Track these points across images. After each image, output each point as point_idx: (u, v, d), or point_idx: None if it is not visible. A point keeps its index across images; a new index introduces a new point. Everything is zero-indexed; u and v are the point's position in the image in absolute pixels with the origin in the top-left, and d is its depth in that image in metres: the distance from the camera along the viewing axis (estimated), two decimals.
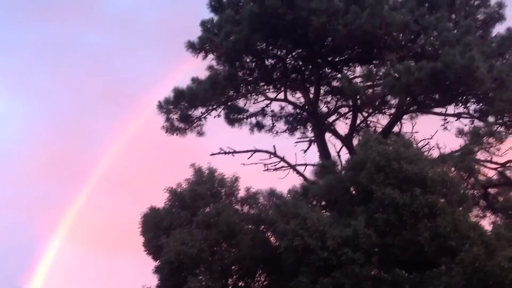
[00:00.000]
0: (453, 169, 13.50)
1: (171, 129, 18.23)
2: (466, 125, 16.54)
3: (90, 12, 35.52)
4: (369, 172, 12.58)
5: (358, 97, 16.52)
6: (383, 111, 17.62)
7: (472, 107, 16.32)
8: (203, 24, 17.15)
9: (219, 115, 18.36)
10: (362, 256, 11.89)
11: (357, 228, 11.99)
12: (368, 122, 18.31)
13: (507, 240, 12.10)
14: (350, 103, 17.75)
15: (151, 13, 36.23)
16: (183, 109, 17.94)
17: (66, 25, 36.47)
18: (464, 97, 15.92)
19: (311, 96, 17.98)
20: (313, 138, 18.35)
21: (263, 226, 14.46)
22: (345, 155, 17.03)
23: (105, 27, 37.05)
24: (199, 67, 17.47)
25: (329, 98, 18.47)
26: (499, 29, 16.40)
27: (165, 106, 17.86)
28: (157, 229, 14.55)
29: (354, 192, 13.61)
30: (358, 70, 17.33)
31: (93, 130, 33.89)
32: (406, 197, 12.04)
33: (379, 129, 17.59)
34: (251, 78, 17.80)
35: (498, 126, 15.29)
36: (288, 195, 14.46)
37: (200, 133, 18.53)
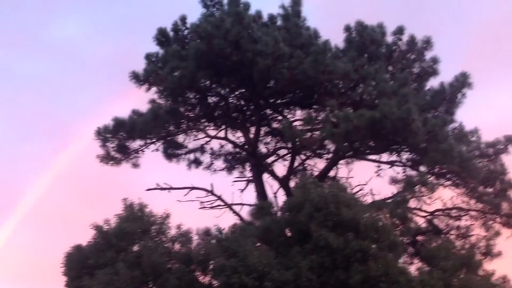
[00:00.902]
0: (386, 215, 13.86)
1: (106, 158, 17.86)
2: (398, 173, 17.11)
3: (28, 40, 34.61)
4: (308, 213, 12.73)
5: (297, 140, 16.79)
6: (321, 155, 17.96)
7: (405, 156, 16.91)
8: (148, 57, 17.12)
9: (157, 149, 18.19)
10: None
11: (300, 271, 12.04)
12: (306, 165, 18.60)
13: (430, 287, 12.53)
14: (289, 145, 18.00)
15: (94, 43, 35.72)
16: (121, 139, 17.65)
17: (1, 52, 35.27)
18: (399, 147, 16.50)
19: (251, 136, 18.13)
20: (251, 178, 18.40)
21: (192, 265, 14.21)
22: (281, 197, 17.17)
23: (44, 56, 36.16)
24: (140, 100, 17.35)
25: (269, 139, 18.69)
26: (433, 83, 17.24)
27: (103, 134, 17.52)
28: (80, 268, 13.99)
29: (290, 233, 13.68)
30: (299, 113, 17.70)
31: (24, 160, 32.58)
32: (340, 240, 12.26)
33: (316, 173, 17.87)
34: (193, 115, 17.79)
35: (429, 176, 15.95)
36: (228, 233, 14.36)
37: (136, 165, 18.24)
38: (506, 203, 16.09)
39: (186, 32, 17.20)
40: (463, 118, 16.91)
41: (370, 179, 17.03)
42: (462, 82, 16.40)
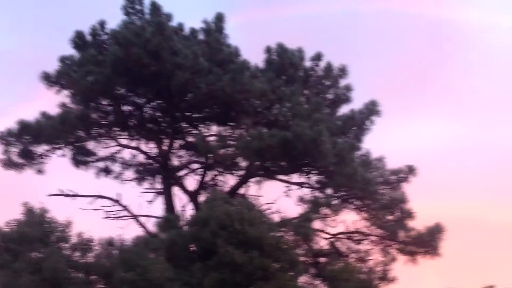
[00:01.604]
0: (290, 234, 14.15)
1: (9, 164, 17.06)
2: (306, 194, 17.48)
3: None
4: (213, 229, 12.75)
5: (210, 155, 16.82)
6: (232, 171, 18.07)
7: (314, 178, 17.32)
8: (63, 59, 16.64)
9: (64, 155, 17.61)
10: None
11: (201, 287, 12.00)
12: (217, 180, 18.62)
13: None
14: (202, 160, 17.99)
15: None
16: (26, 144, 16.94)
17: None
18: (308, 168, 16.91)
19: (165, 148, 17.97)
20: (160, 190, 18.19)
21: (92, 276, 13.83)
22: (190, 211, 17.09)
23: None
24: (50, 103, 16.77)
25: (182, 153, 18.56)
26: (345, 109, 17.84)
27: (6, 138, 16.74)
28: None
29: (194, 248, 13.64)
30: (215, 129, 17.73)
31: None
32: (244, 258, 12.36)
33: (226, 189, 17.95)
34: (105, 122, 17.38)
35: (335, 199, 16.45)
36: (131, 245, 14.08)
37: (40, 171, 17.54)
38: (403, 231, 16.82)
39: (104, 37, 16.89)
40: (371, 145, 17.56)
41: (279, 198, 17.31)
42: (371, 109, 17.10)
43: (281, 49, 17.50)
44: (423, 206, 18.28)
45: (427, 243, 16.52)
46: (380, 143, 18.69)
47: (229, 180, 18.21)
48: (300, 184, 17.45)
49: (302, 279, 14.59)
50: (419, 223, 16.87)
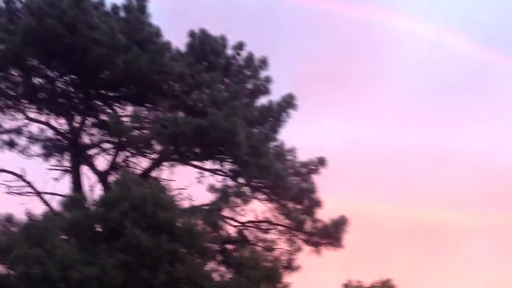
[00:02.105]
0: (200, 221, 14.16)
1: None
2: (218, 182, 17.55)
3: None
4: (123, 211, 12.52)
5: (123, 135, 16.45)
6: (146, 154, 17.78)
7: (228, 166, 17.41)
8: None
9: None
10: None
11: (106, 268, 11.74)
12: (129, 162, 18.24)
13: None
14: (115, 140, 17.54)
15: None
16: None
17: None
18: (222, 156, 16.97)
19: (76, 125, 17.35)
20: (68, 168, 17.57)
21: None
22: (98, 191, 16.66)
23: None
24: None
25: (94, 131, 18.00)
26: (263, 100, 18.03)
27: None
28: None
29: (100, 229, 13.32)
30: (130, 109, 17.33)
31: None
32: (152, 241, 12.25)
33: (138, 171, 17.64)
34: (13, 93, 16.52)
35: (246, 188, 16.63)
36: (35, 222, 13.52)
37: None
38: (310, 221, 17.32)
39: (19, 5, 16.03)
40: (285, 137, 17.90)
41: (191, 184, 17.25)
42: (288, 102, 17.38)
43: (204, 35, 17.39)
44: (330, 199, 18.87)
45: (331, 234, 17.11)
46: (294, 136, 19.11)
47: (141, 163, 17.93)
48: (213, 171, 17.49)
49: (210, 265, 14.64)
50: (325, 215, 17.44)
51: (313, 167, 17.88)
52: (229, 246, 16.76)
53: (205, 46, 17.25)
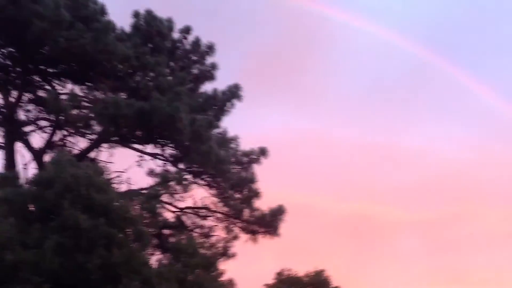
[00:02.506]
0: (137, 205, 13.97)
1: None
2: (158, 167, 17.36)
3: None
4: (57, 191, 12.17)
5: (62, 114, 15.96)
6: (84, 134, 17.34)
7: (169, 151, 17.24)
8: None
9: None
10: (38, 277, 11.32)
11: (41, 249, 11.42)
12: (66, 141, 17.72)
13: (166, 279, 13.03)
14: (52, 118, 16.99)
15: None
16: None
17: None
18: (164, 141, 16.79)
19: (11, 100, 16.67)
20: (2, 144, 16.90)
21: None
22: (33, 170, 16.13)
23: None
24: None
25: (30, 107, 17.35)
26: (208, 87, 17.93)
27: None
28: None
29: (34, 209, 12.92)
30: (70, 87, 16.82)
31: None
32: (89, 223, 12.00)
33: (76, 151, 17.19)
34: None
35: (186, 174, 16.54)
36: None
37: None
38: (249, 210, 17.45)
39: None
40: (228, 126, 17.90)
41: (130, 167, 16.97)
42: (233, 92, 17.39)
43: (150, 16, 17.06)
44: (270, 189, 19.07)
45: (268, 223, 17.30)
46: (237, 125, 19.13)
47: (79, 143, 17.46)
48: (154, 156, 17.28)
49: (147, 251, 14.48)
50: (263, 204, 17.61)
51: (254, 157, 17.97)
52: (166, 232, 16.65)
53: (151, 27, 16.93)
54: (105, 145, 17.12)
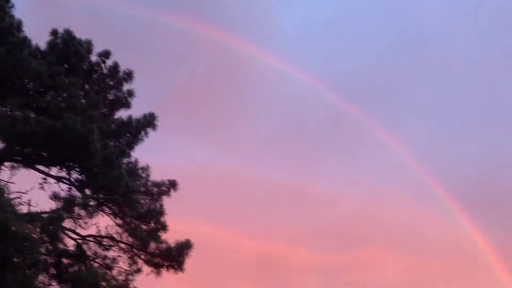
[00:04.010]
0: (37, 229, 13.27)
1: None
2: (63, 191, 16.61)
3: None
4: None
5: None
6: None
7: (75, 176, 16.59)
8: None
9: None
10: None
11: None
12: None
13: None
14: None
15: None
16: None
17: None
18: (71, 164, 16.17)
19: None
20: None
21: None
22: None
23: None
24: None
25: None
26: (122, 114, 17.56)
27: None
28: None
29: None
30: None
31: None
32: None
33: None
34: None
35: (92, 200, 15.94)
36: None
37: None
38: (154, 243, 17.02)
39: None
40: (140, 155, 17.52)
41: (32, 189, 16.09)
42: (148, 121, 17.13)
43: (68, 36, 16.59)
44: (178, 222, 18.79)
45: (174, 257, 16.94)
46: (149, 155, 18.80)
47: None
48: (59, 179, 16.53)
49: (41, 277, 13.72)
50: (170, 238, 17.26)
51: (164, 189, 17.66)
52: (65, 260, 15.87)
53: (68, 47, 16.45)
54: (7, 164, 16.22)
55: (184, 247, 17.07)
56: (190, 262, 17.33)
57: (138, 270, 16.93)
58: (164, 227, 17.21)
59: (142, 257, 17.07)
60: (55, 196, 16.28)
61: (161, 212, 17.19)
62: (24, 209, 14.76)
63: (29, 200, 15.32)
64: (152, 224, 17.20)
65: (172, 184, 17.68)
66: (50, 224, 13.92)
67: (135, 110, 17.62)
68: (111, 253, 16.85)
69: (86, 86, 16.92)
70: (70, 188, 16.50)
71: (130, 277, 16.74)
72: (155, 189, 17.62)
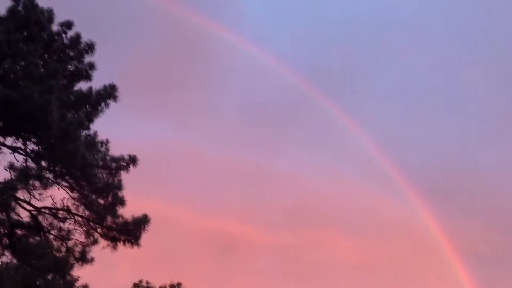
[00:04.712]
0: None
1: None
2: (18, 161, 16.30)
3: None
4: None
5: None
6: None
7: (31, 146, 16.30)
8: None
9: None
10: None
11: None
12: None
13: (10, 281, 12.24)
14: None
15: None
16: None
17: None
18: (28, 135, 15.87)
19: None
20: None
21: None
22: None
23: None
24: None
25: None
26: (82, 85, 17.24)
27: None
28: None
29: None
30: None
31: None
32: None
33: None
34: None
35: (48, 172, 15.71)
36: None
37: None
38: (111, 217, 16.90)
39: None
40: (99, 128, 17.30)
41: None
42: (109, 92, 16.87)
43: (30, 3, 16.21)
44: (135, 197, 18.71)
45: (130, 232, 16.87)
46: (109, 129, 18.57)
47: None
48: (15, 149, 16.20)
49: None
50: (127, 212, 17.18)
51: (123, 164, 17.49)
52: (20, 231, 15.64)
53: (29, 15, 16.07)
54: None
55: (141, 222, 17.01)
56: (146, 237, 17.34)
57: (94, 243, 16.82)
58: (121, 202, 17.06)
59: (99, 230, 16.96)
60: (10, 167, 16.01)
61: (119, 187, 17.02)
62: None
63: None
64: (110, 199, 17.05)
65: (132, 160, 17.51)
66: (3, 194, 13.67)
67: (97, 81, 17.38)
68: (67, 226, 16.72)
69: (46, 56, 16.56)
70: (26, 159, 16.23)
71: (86, 249, 16.62)
72: (114, 164, 17.44)
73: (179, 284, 26.21)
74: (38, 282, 14.05)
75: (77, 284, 14.71)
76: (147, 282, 25.89)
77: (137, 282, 25.89)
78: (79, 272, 16.16)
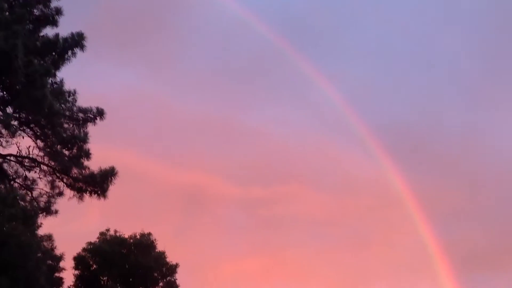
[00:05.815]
0: None
1: None
2: None
3: None
4: None
5: None
6: None
7: None
8: None
9: None
10: None
11: None
12: None
13: None
14: None
15: None
16: None
17: None
18: None
19: None
20: None
21: None
22: None
23: None
24: None
25: None
26: (49, 31, 16.72)
27: None
28: None
29: None
30: None
31: None
32: None
33: None
34: None
35: (14, 119, 15.37)
36: None
37: None
38: (77, 168, 16.70)
39: None
40: (66, 77, 16.89)
41: None
42: (76, 41, 16.40)
43: None
44: (102, 149, 18.50)
45: (97, 183, 16.75)
46: (76, 78, 18.17)
47: None
48: None
49: None
50: (94, 164, 17.00)
51: (90, 116, 17.19)
52: None
53: None
54: None
55: (108, 174, 16.88)
56: (113, 189, 17.24)
57: (60, 194, 16.68)
58: (87, 155, 16.80)
59: (65, 180, 16.78)
60: None
61: (84, 140, 16.71)
62: None
63: None
64: (75, 151, 16.78)
65: (100, 113, 17.22)
66: None
67: (63, 30, 16.84)
68: (32, 175, 16.50)
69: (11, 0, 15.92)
70: None
71: (51, 199, 16.49)
72: (81, 115, 17.14)
73: (149, 234, 26.38)
74: (4, 229, 13.89)
75: (41, 232, 14.62)
76: (115, 231, 25.94)
77: (104, 231, 25.91)
78: (44, 220, 16.06)
